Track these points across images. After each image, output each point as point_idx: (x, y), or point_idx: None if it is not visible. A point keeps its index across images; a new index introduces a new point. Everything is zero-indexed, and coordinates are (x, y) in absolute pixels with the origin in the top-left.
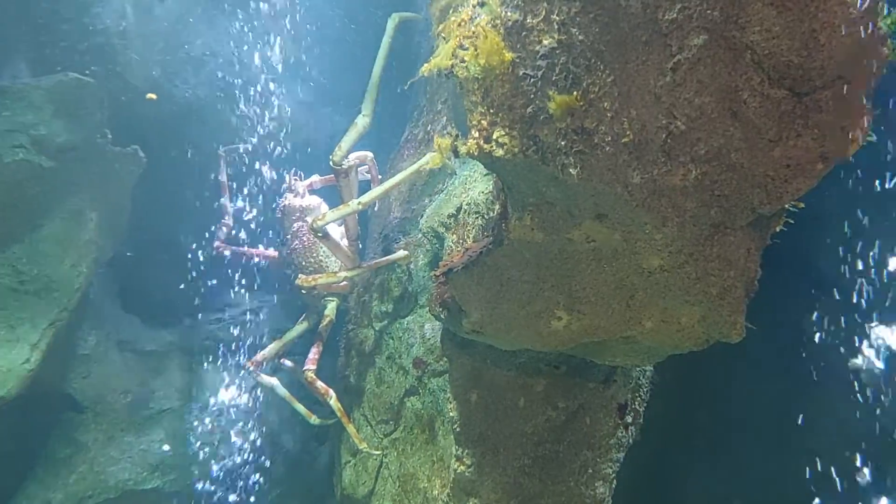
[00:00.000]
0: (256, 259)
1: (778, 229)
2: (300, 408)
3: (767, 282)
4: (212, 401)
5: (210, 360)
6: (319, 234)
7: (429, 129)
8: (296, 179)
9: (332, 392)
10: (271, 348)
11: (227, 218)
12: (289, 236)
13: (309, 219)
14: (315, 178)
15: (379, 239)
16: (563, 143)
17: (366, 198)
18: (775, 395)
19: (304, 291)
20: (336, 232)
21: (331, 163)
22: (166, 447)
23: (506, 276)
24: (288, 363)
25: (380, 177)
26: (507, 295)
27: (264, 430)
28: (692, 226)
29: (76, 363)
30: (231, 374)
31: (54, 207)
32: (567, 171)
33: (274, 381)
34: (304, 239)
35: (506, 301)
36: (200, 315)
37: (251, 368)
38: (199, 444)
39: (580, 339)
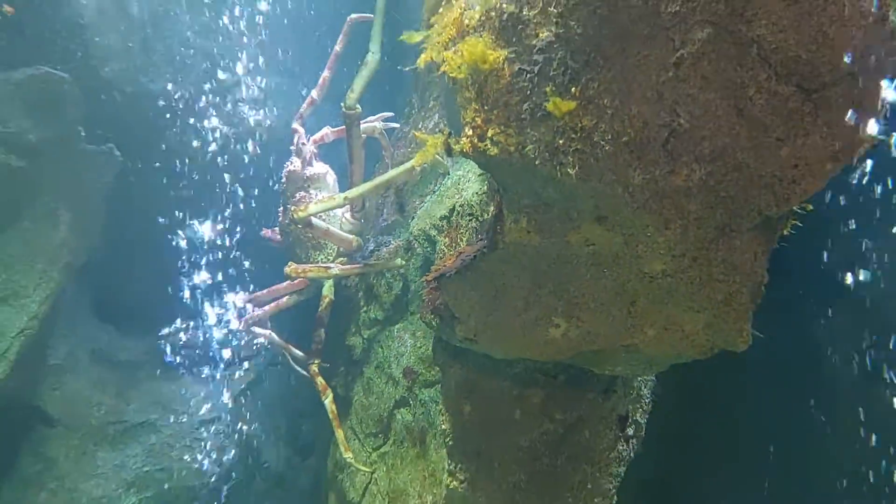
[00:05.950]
0: (315, 150)
1: (786, 232)
2: (297, 353)
3: (775, 287)
4: (190, 413)
5: (189, 370)
6: (300, 225)
7: (420, 126)
8: (303, 143)
9: (329, 392)
10: (266, 310)
11: (317, 91)
12: (290, 206)
13: (313, 191)
14: (326, 130)
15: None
16: (560, 141)
17: (353, 192)
18: (782, 405)
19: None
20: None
21: (342, 108)
22: (142, 462)
23: (501, 281)
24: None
25: (390, 147)
26: (503, 301)
27: (245, 443)
28: (696, 228)
29: (46, 374)
30: (211, 385)
31: (24, 209)
32: (565, 171)
33: (267, 332)
34: None
35: (501, 308)
36: (179, 323)
37: (242, 329)
38: (177, 459)
39: (579, 347)
